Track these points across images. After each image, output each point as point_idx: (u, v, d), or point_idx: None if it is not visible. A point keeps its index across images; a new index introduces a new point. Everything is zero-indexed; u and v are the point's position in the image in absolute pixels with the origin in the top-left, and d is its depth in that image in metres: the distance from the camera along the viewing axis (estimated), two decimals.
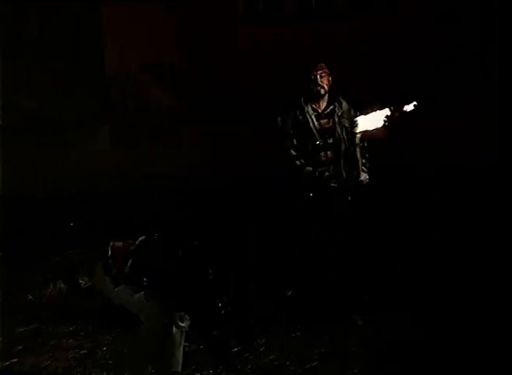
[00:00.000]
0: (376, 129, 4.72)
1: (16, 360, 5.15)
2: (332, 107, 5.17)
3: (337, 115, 5.19)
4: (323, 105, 5.21)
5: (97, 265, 4.52)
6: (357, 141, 4.78)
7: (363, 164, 5.15)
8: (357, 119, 4.73)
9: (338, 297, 5.41)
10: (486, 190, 7.56)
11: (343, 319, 5.34)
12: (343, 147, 5.18)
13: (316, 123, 5.17)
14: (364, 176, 5.13)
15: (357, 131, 4.74)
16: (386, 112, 4.72)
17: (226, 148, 8.02)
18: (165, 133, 8.09)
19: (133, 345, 4.66)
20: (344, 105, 5.19)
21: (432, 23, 8.49)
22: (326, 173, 5.20)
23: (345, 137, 5.16)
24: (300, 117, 5.16)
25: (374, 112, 4.77)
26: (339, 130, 5.17)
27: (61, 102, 8.54)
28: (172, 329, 4.26)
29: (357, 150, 4.83)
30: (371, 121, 4.75)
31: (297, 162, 5.18)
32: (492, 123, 8.42)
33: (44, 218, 7.62)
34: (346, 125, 5.17)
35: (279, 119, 5.22)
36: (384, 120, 4.73)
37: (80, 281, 6.24)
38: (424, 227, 6.85)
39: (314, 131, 5.17)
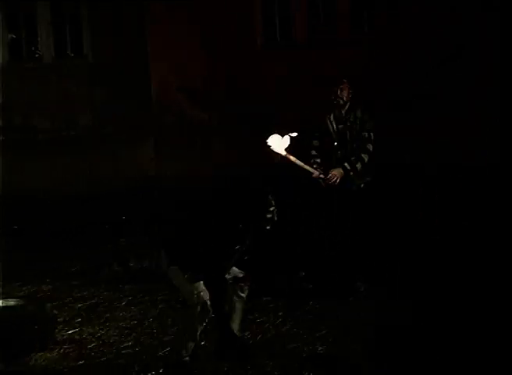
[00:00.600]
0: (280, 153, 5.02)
1: (77, 330, 5.49)
2: (349, 114, 5.67)
3: (349, 121, 5.69)
4: (344, 112, 5.72)
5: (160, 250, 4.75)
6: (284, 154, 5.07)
7: (350, 163, 5.66)
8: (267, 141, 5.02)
9: (343, 270, 5.77)
10: (488, 188, 7.62)
11: (348, 293, 5.67)
12: (354, 146, 5.69)
13: (335, 127, 5.70)
14: (337, 171, 5.60)
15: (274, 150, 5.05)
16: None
17: (249, 152, 8.26)
18: (198, 142, 8.48)
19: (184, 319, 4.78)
20: (358, 113, 5.69)
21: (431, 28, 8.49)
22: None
23: (356, 129, 5.72)
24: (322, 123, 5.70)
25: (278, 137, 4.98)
26: (349, 133, 5.69)
27: (113, 117, 9.00)
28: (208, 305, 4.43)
29: (291, 158, 5.19)
30: (279, 144, 4.97)
31: (311, 160, 5.67)
32: (493, 122, 8.43)
33: (100, 210, 8.09)
34: (358, 129, 5.70)
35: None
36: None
37: (131, 264, 6.57)
38: (424, 224, 6.99)
39: (333, 134, 5.69)
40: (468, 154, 8.04)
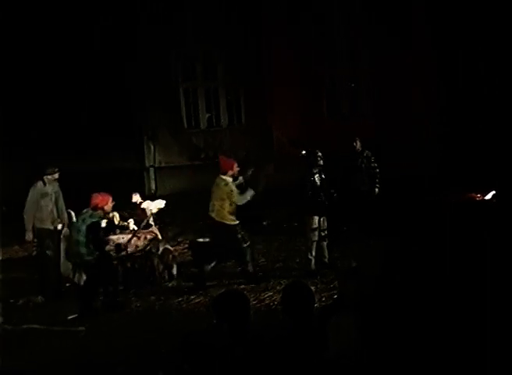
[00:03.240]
0: None
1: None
2: (361, 153, 7.77)
3: (361, 157, 7.64)
4: (357, 152, 7.70)
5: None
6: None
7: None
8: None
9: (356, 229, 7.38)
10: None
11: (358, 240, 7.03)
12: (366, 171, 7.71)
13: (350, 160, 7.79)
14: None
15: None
16: None
17: None
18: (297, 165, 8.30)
19: None
20: (366, 153, 7.56)
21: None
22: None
23: (364, 163, 7.51)
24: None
25: None
26: (359, 163, 7.60)
27: (253, 152, 10.80)
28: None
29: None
30: None
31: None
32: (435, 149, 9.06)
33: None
34: (366, 162, 7.49)
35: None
36: None
37: (264, 223, 8.17)
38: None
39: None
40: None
